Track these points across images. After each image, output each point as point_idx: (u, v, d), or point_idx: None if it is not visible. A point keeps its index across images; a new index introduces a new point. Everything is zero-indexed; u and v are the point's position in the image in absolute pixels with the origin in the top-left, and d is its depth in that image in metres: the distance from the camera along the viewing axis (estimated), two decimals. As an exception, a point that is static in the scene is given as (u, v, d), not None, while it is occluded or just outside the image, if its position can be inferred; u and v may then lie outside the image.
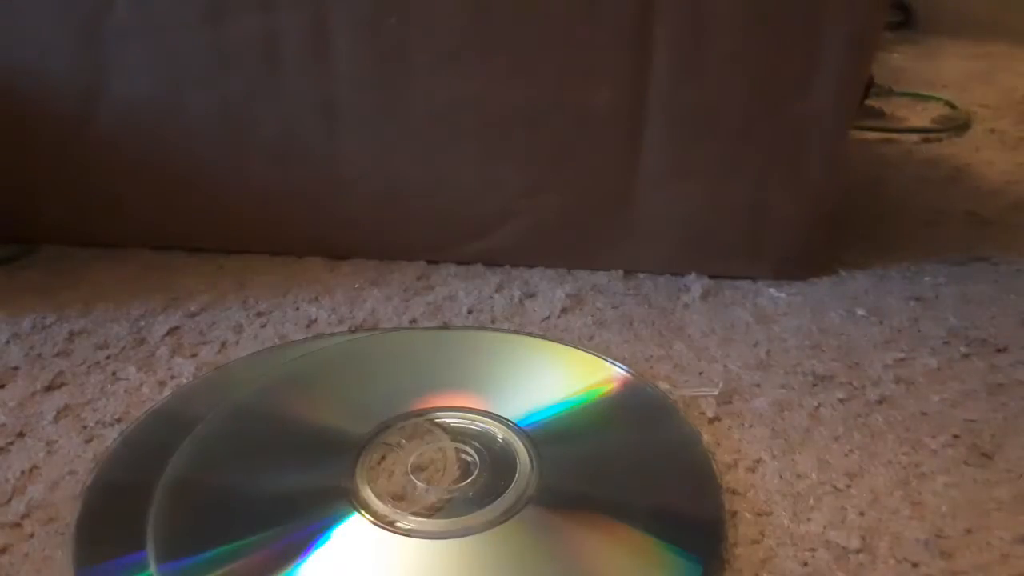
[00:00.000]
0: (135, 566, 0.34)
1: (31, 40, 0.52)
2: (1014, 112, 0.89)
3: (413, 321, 0.52)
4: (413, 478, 0.39)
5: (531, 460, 0.40)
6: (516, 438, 0.41)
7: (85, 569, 0.35)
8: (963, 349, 0.49)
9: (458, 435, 0.41)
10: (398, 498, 0.38)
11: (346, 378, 0.46)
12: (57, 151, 0.55)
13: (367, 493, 0.38)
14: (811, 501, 0.39)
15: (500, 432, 0.41)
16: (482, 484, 0.39)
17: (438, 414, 0.43)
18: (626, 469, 0.40)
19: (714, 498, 0.38)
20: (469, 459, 0.40)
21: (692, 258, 0.56)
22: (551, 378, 0.46)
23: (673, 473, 0.40)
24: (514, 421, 0.42)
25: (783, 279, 0.57)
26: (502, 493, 0.38)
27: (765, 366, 0.48)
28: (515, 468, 0.39)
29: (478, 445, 0.41)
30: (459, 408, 0.43)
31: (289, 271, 0.57)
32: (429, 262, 0.58)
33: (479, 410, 0.43)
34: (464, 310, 0.53)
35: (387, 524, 0.36)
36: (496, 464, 0.40)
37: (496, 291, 0.55)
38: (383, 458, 0.40)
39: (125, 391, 0.45)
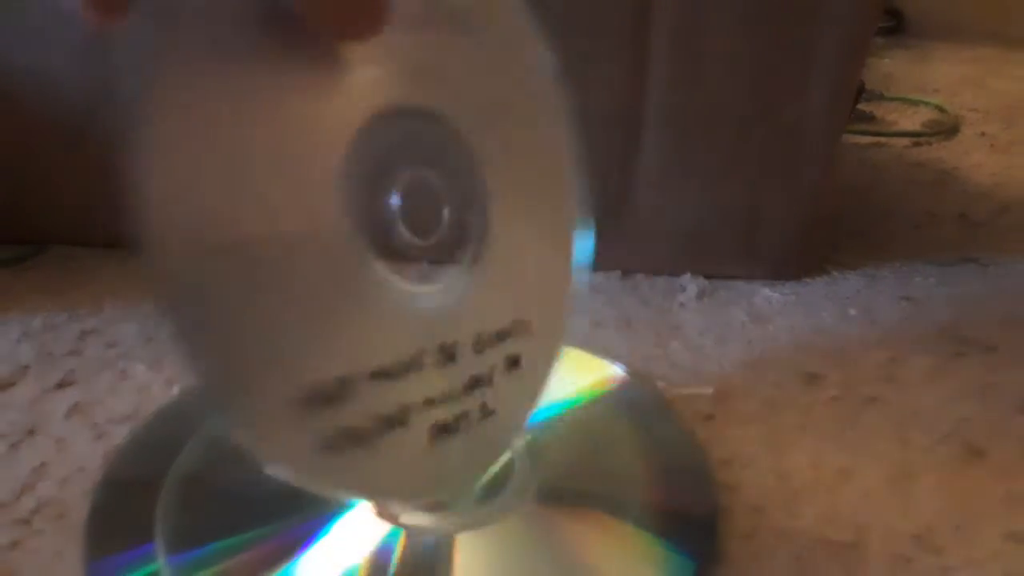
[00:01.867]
0: (143, 559, 0.35)
1: (37, 40, 0.52)
2: (1003, 116, 0.90)
3: (414, 321, 0.52)
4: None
5: (528, 458, 0.40)
6: None
7: (94, 564, 0.35)
8: (953, 348, 0.50)
9: None
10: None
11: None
12: (65, 151, 0.55)
13: None
14: (804, 497, 0.39)
15: None
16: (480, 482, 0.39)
17: None
18: (622, 466, 0.41)
19: (709, 494, 0.39)
20: None
21: (688, 259, 0.57)
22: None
23: (668, 470, 0.41)
24: None
25: (777, 280, 0.57)
26: (500, 490, 0.38)
27: (759, 365, 0.49)
28: (513, 466, 0.40)
29: None
30: None
31: (292, 271, 0.57)
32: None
33: None
34: (464, 310, 0.53)
35: (387, 519, 0.37)
36: None
37: (495, 291, 0.55)
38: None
39: (135, 389, 0.46)
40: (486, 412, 0.33)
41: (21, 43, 0.52)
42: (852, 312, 0.54)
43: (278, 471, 0.27)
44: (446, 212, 0.34)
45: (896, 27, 1.16)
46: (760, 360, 0.49)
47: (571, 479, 0.40)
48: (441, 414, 0.31)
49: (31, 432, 0.42)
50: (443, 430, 0.31)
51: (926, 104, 0.92)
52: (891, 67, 1.05)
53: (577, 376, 0.46)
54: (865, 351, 0.50)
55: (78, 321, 0.51)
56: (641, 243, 0.56)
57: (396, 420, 0.30)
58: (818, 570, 0.36)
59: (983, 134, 0.85)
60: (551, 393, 0.44)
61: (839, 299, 0.55)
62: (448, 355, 0.32)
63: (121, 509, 0.38)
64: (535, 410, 0.37)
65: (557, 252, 0.36)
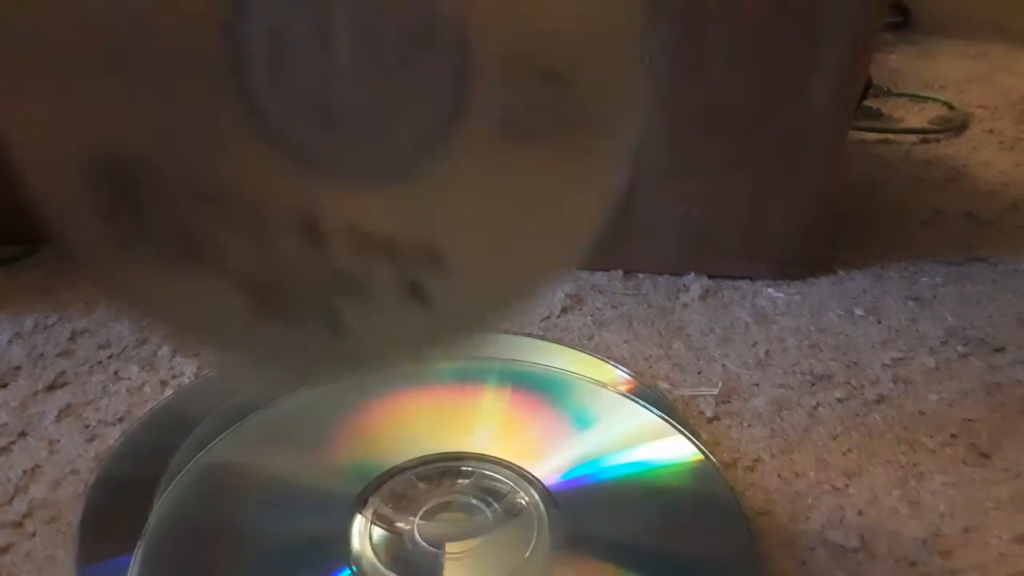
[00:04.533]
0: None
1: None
2: (1012, 112, 0.89)
3: (413, 321, 0.52)
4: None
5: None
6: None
7: (87, 568, 0.35)
8: (961, 349, 0.50)
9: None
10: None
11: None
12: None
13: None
14: (809, 500, 0.39)
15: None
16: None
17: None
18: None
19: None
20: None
21: (691, 258, 0.57)
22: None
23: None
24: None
25: (782, 279, 0.57)
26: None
27: (764, 366, 0.48)
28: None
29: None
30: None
31: (290, 271, 0.57)
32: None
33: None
34: (464, 310, 0.53)
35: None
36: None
37: (496, 291, 0.55)
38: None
39: (127, 391, 0.45)
40: (332, 319, 0.28)
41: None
42: (858, 312, 0.53)
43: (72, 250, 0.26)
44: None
45: (903, 23, 1.15)
46: (765, 361, 0.49)
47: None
48: (266, 278, 0.28)
49: (23, 434, 0.42)
50: (263, 297, 0.28)
51: (934, 100, 0.91)
52: (898, 63, 1.04)
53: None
54: (871, 351, 0.49)
55: (70, 322, 0.51)
56: (644, 242, 0.56)
57: (204, 247, 0.27)
58: (823, 575, 0.35)
59: (991, 131, 0.84)
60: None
61: (845, 299, 0.55)
62: (310, 230, 0.28)
63: (114, 513, 0.38)
64: (430, 361, 0.33)
65: (545, 201, 0.31)
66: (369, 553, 0.35)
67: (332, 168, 0.29)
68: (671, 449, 0.40)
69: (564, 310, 0.53)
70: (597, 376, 0.46)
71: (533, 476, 0.38)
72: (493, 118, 0.28)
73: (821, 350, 0.50)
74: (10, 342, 0.49)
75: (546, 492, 0.37)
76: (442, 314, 0.30)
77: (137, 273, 0.27)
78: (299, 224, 0.28)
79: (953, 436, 0.43)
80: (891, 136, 0.82)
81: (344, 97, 0.30)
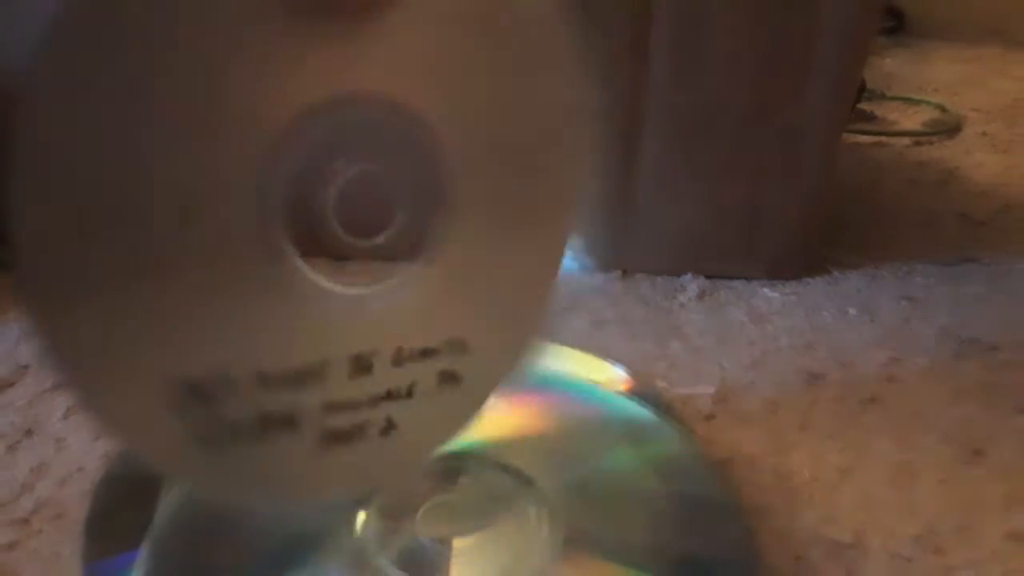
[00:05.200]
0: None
1: (32, 41, 0.52)
2: (1005, 115, 0.90)
3: (414, 321, 0.52)
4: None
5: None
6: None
7: (92, 565, 0.35)
8: (954, 348, 0.50)
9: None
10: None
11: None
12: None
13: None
14: (805, 497, 0.39)
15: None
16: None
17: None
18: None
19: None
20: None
21: (689, 259, 0.57)
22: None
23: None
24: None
25: (777, 279, 0.57)
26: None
27: (759, 365, 0.49)
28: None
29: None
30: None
31: (291, 272, 0.57)
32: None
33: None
34: (464, 310, 0.53)
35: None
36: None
37: (495, 291, 0.55)
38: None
39: (132, 389, 0.45)
40: (389, 427, 0.31)
41: (14, 45, 0.52)
42: (852, 312, 0.54)
43: (157, 467, 0.27)
44: (400, 213, 0.33)
45: (897, 27, 1.15)
46: (761, 360, 0.49)
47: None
48: (337, 421, 0.29)
49: (30, 432, 0.42)
50: (335, 438, 0.30)
51: (927, 103, 0.92)
52: (892, 66, 1.04)
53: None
54: (866, 351, 0.50)
55: (77, 321, 0.51)
56: (641, 243, 0.56)
57: (283, 421, 0.28)
58: (818, 570, 0.35)
59: (985, 134, 0.85)
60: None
61: (839, 299, 0.55)
62: (362, 366, 0.30)
63: (120, 510, 0.38)
64: (462, 431, 0.33)
65: (527, 271, 0.33)
66: (373, 549, 0.35)
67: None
68: (668, 447, 0.41)
69: (563, 310, 0.53)
70: (596, 375, 0.46)
71: (532, 475, 0.39)
72: (476, 206, 0.30)
73: (816, 349, 0.50)
74: (18, 342, 0.49)
75: (545, 490, 0.38)
76: (471, 390, 0.32)
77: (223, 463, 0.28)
78: (352, 364, 0.30)
79: (947, 435, 0.43)
80: (885, 139, 0.83)
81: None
